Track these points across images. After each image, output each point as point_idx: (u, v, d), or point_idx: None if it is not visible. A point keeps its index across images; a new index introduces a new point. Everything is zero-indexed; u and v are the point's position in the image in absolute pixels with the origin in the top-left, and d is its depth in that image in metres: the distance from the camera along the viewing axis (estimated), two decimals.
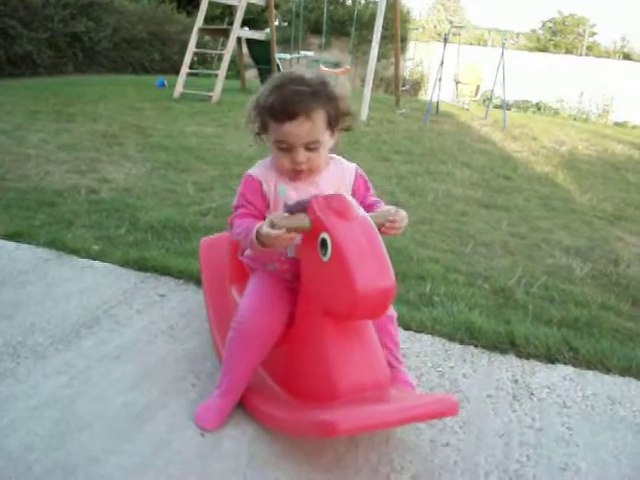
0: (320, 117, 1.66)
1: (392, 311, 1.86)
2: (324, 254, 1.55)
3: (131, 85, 10.40)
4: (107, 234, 3.16)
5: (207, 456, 1.62)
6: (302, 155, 1.67)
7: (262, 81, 11.75)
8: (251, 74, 13.48)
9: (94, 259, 2.83)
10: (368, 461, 1.64)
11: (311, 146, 1.67)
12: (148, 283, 2.64)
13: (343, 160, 1.86)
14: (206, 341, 2.18)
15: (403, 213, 1.72)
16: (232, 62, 10.43)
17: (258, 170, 1.79)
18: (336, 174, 1.81)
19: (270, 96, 1.65)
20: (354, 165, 1.86)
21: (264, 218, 1.64)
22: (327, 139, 1.72)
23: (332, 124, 1.70)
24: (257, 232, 1.60)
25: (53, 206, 3.58)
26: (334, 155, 1.85)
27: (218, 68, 9.53)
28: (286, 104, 1.62)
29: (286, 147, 1.67)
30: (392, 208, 1.74)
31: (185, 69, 9.32)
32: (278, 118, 1.64)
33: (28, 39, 11.28)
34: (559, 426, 1.88)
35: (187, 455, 1.61)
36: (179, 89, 9.16)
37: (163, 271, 2.72)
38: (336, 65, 15.96)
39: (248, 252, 1.92)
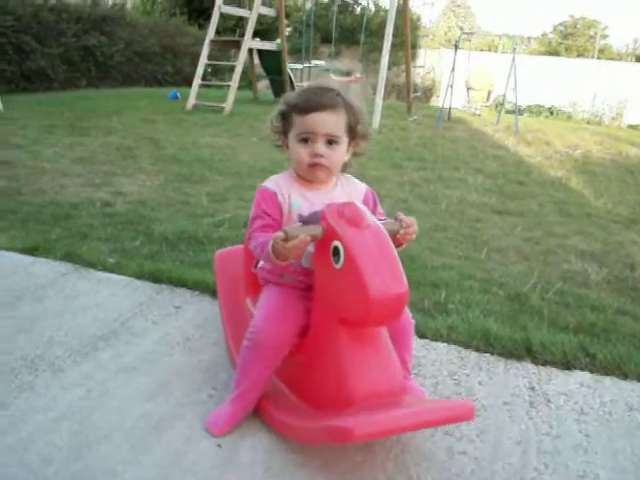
0: (342, 117, 1.76)
1: (410, 319, 1.87)
2: (337, 261, 1.56)
3: (144, 98, 10.48)
4: (122, 246, 3.19)
5: (224, 467, 1.62)
6: (322, 147, 1.75)
7: (274, 91, 11.84)
8: (263, 85, 13.57)
9: (110, 272, 2.85)
10: (384, 470, 1.64)
11: (332, 139, 1.75)
12: (163, 295, 2.66)
13: (355, 179, 1.94)
14: (222, 352, 2.19)
15: (412, 218, 1.76)
16: (244, 73, 10.50)
17: (271, 182, 1.85)
18: (349, 191, 1.87)
19: (297, 97, 1.80)
20: (365, 185, 1.95)
21: (281, 228, 1.67)
22: (344, 144, 1.80)
23: (350, 132, 1.80)
24: (272, 244, 1.61)
25: (69, 219, 3.62)
26: (347, 174, 1.93)
27: (230, 79, 9.58)
28: (313, 97, 1.76)
29: (308, 138, 1.75)
30: (400, 214, 1.77)
31: (197, 81, 9.39)
32: (303, 110, 1.74)
33: (42, 54, 11.42)
34: (577, 433, 1.87)
35: (204, 466, 1.62)
36: (192, 101, 9.23)
37: (178, 283, 2.74)
38: (347, 74, 16.03)
39: (262, 264, 1.93)
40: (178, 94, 10.79)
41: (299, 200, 1.80)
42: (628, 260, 3.68)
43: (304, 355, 1.74)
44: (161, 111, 8.72)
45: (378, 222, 1.63)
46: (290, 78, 11.24)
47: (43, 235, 3.27)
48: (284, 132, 1.84)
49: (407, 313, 1.84)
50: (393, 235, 1.66)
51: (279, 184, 1.83)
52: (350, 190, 1.88)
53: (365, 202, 1.86)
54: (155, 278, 2.78)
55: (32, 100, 9.48)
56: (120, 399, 1.89)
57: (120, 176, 4.89)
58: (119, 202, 4.10)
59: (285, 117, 1.81)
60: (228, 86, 9.40)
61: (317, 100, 1.74)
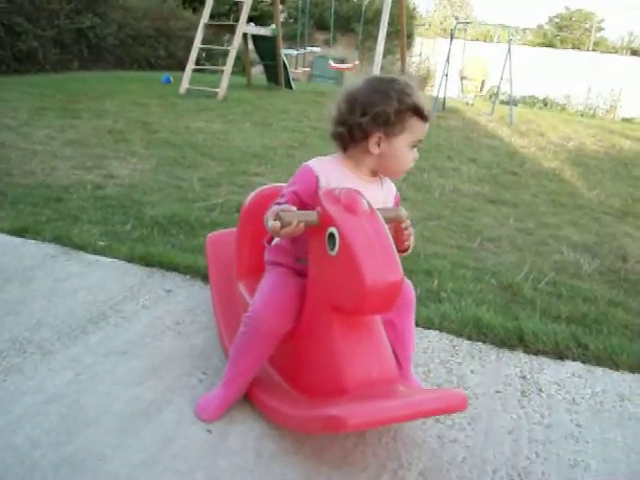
0: None
1: (412, 290, 1.85)
2: (332, 248, 1.54)
3: (137, 81, 10.40)
4: (113, 230, 3.16)
5: (214, 452, 1.61)
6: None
7: (268, 77, 11.77)
8: (257, 70, 13.48)
9: (100, 255, 2.83)
10: (376, 457, 1.63)
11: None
12: (154, 279, 2.64)
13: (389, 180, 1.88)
14: (213, 337, 2.17)
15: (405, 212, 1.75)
16: (238, 58, 10.42)
17: (318, 165, 1.74)
18: (388, 189, 1.84)
19: (411, 97, 1.67)
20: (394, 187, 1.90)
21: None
22: None
23: None
24: (266, 223, 1.58)
25: (59, 202, 3.58)
26: None
27: (224, 64, 9.51)
28: (426, 100, 1.71)
29: (415, 145, 1.73)
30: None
31: (191, 65, 9.31)
32: (424, 116, 1.69)
33: (34, 36, 11.26)
34: (568, 423, 1.87)
35: (194, 451, 1.60)
36: (185, 85, 9.15)
37: (169, 267, 2.72)
38: (342, 61, 15.97)
39: (278, 241, 1.85)
40: (171, 78, 10.70)
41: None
42: (620, 252, 3.69)
43: (297, 342, 1.72)
44: (154, 95, 8.65)
45: (375, 209, 1.61)
46: (284, 64, 11.18)
47: (33, 217, 3.23)
48: (384, 130, 1.67)
49: (408, 284, 1.82)
50: (388, 222, 1.64)
51: (326, 168, 1.73)
52: (388, 189, 1.84)
53: (395, 201, 1.85)
54: (146, 262, 2.76)
55: (23, 82, 9.37)
56: (109, 383, 1.87)
57: (112, 159, 4.84)
58: (110, 185, 4.07)
59: (396, 115, 1.66)
60: (222, 71, 9.33)
61: (429, 105, 1.72)
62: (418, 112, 1.68)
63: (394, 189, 1.87)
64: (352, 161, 1.75)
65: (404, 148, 1.70)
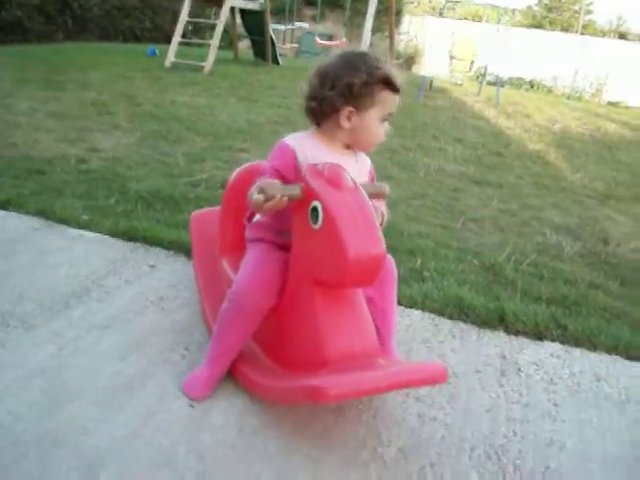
0: None
1: (393, 265, 1.86)
2: (315, 222, 1.55)
3: (122, 54, 10.26)
4: (96, 204, 3.14)
5: (196, 427, 1.62)
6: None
7: (255, 52, 11.65)
8: (244, 45, 13.33)
9: (83, 229, 2.81)
10: (355, 434, 1.65)
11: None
12: (138, 254, 2.63)
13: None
14: (195, 313, 2.18)
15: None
16: (225, 32, 10.28)
17: (293, 140, 1.76)
18: (363, 162, 1.86)
19: (380, 69, 1.67)
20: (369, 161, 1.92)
21: None
22: None
23: None
24: (249, 198, 1.58)
25: (42, 175, 3.55)
26: None
27: (211, 38, 9.39)
28: (397, 72, 1.71)
29: (386, 119, 1.74)
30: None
31: (177, 38, 9.18)
32: (395, 89, 1.70)
33: (18, 5, 11.07)
34: (545, 402, 1.90)
35: (176, 426, 1.62)
36: (171, 58, 9.03)
37: (153, 242, 2.71)
38: (330, 38, 15.83)
39: (259, 217, 1.85)
40: (157, 51, 10.56)
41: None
42: (602, 235, 3.72)
43: (279, 316, 1.72)
44: (139, 68, 8.54)
45: (358, 183, 1.62)
46: (272, 39, 11.06)
47: (15, 189, 3.20)
48: (354, 104, 1.68)
49: (390, 261, 1.83)
50: (371, 197, 1.65)
51: (302, 143, 1.74)
52: (363, 162, 1.86)
53: (370, 178, 1.87)
54: (130, 236, 2.75)
55: (6, 52, 9.20)
56: (92, 357, 1.87)
57: (95, 132, 4.79)
58: (94, 159, 4.03)
59: (365, 88, 1.66)
60: (209, 45, 9.22)
61: (400, 78, 1.71)
62: (388, 84, 1.69)
63: (369, 163, 1.89)
64: (326, 136, 1.77)
65: (375, 121, 1.72)
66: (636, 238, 3.70)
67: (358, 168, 1.80)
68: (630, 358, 2.23)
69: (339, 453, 1.58)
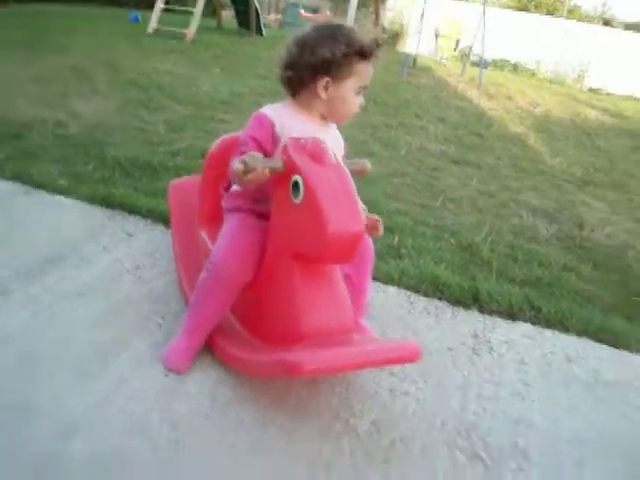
0: None
1: (370, 244, 1.87)
2: (296, 196, 1.55)
3: (103, 19, 10.07)
4: (74, 170, 3.09)
5: (170, 396, 1.62)
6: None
7: (239, 22, 11.49)
8: (228, 14, 13.13)
9: (61, 194, 2.77)
10: (329, 406, 1.67)
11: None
12: (115, 221, 2.61)
13: None
14: (172, 282, 2.17)
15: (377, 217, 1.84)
16: (208, 0, 10.13)
17: (270, 110, 1.77)
18: (337, 134, 1.89)
19: (357, 39, 1.70)
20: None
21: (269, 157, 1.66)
22: None
23: None
24: (233, 173, 1.58)
25: (19, 139, 3.48)
26: None
27: (194, 6, 9.23)
28: (372, 44, 1.72)
29: (361, 90, 1.77)
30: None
31: (160, 4, 9.03)
32: (369, 57, 1.72)
33: None
34: (516, 381, 1.94)
35: (149, 394, 1.62)
36: (153, 25, 8.89)
37: (131, 209, 2.69)
38: (315, 11, 15.65)
39: (235, 187, 1.86)
40: (139, 17, 10.38)
41: (302, 134, 1.70)
42: (578, 219, 3.76)
43: (257, 289, 1.73)
44: (120, 33, 8.39)
45: (340, 160, 1.62)
46: (256, 9, 10.92)
47: None
48: (331, 74, 1.70)
49: (368, 239, 1.84)
50: (353, 174, 1.65)
51: (279, 114, 1.75)
52: (335, 134, 1.88)
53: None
54: (107, 203, 2.72)
55: None
56: (67, 324, 1.86)
57: (75, 98, 4.70)
58: (72, 124, 3.96)
59: (344, 59, 1.69)
60: (192, 12, 9.08)
61: (375, 48, 1.73)
62: (364, 55, 1.71)
63: (341, 137, 1.91)
64: (302, 106, 1.79)
65: (351, 92, 1.75)
66: (611, 224, 3.75)
67: (333, 140, 1.82)
68: (600, 341, 2.28)
69: (313, 425, 1.60)
